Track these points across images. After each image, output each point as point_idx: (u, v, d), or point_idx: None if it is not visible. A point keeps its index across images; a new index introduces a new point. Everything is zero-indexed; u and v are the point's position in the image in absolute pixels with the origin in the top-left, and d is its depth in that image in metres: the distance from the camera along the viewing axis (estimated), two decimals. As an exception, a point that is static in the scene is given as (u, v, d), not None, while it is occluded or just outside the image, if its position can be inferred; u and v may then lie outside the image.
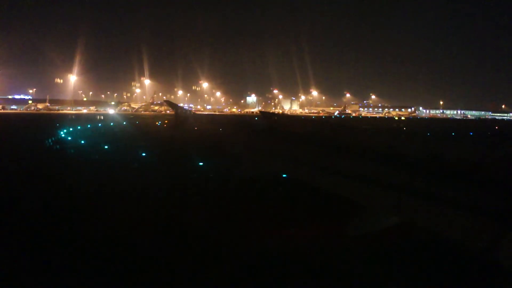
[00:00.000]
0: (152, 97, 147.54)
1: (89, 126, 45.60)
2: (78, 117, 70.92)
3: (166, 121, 62.40)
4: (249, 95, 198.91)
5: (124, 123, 55.46)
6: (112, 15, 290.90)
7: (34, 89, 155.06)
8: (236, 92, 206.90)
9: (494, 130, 63.20)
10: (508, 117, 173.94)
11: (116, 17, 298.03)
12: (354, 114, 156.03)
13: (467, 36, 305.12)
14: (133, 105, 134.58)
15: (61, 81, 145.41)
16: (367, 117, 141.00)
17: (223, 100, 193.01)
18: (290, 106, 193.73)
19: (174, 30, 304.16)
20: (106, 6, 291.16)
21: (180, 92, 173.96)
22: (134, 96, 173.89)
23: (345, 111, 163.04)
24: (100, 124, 49.91)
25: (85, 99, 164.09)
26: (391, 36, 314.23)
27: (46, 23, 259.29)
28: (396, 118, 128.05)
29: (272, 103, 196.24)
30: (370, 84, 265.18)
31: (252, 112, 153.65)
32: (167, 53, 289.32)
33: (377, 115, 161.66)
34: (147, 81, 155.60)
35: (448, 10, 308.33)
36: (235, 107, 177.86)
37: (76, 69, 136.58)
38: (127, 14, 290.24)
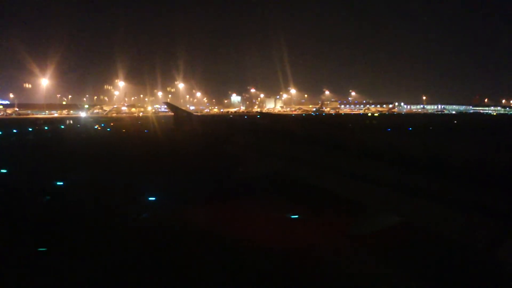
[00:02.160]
0: (124, 99, 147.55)
1: (14, 131, 45.00)
2: (32, 122, 69.64)
3: (112, 123, 61.75)
4: (232, 95, 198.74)
5: (62, 127, 54.86)
6: (93, 17, 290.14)
7: (11, 94, 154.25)
8: (219, 92, 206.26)
9: (447, 124, 63.20)
10: (489, 111, 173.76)
11: (97, 19, 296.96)
12: (332, 112, 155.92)
13: (452, 31, 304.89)
14: (105, 108, 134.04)
15: (30, 85, 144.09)
16: (341, 114, 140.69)
17: (205, 100, 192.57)
18: (274, 105, 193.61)
19: (154, 32, 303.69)
20: (86, 8, 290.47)
21: (160, 94, 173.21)
22: (114, 98, 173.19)
23: (322, 108, 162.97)
24: (30, 129, 49.09)
25: (64, 102, 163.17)
26: (375, 32, 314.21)
27: (25, 26, 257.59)
28: (370, 114, 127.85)
29: (256, 102, 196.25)
30: (352, 81, 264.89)
31: (228, 111, 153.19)
32: (147, 55, 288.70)
33: (357, 112, 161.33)
34: (121, 83, 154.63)
35: (430, 5, 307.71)
36: (216, 107, 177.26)
37: (51, 73, 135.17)
38: (109, 16, 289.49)
